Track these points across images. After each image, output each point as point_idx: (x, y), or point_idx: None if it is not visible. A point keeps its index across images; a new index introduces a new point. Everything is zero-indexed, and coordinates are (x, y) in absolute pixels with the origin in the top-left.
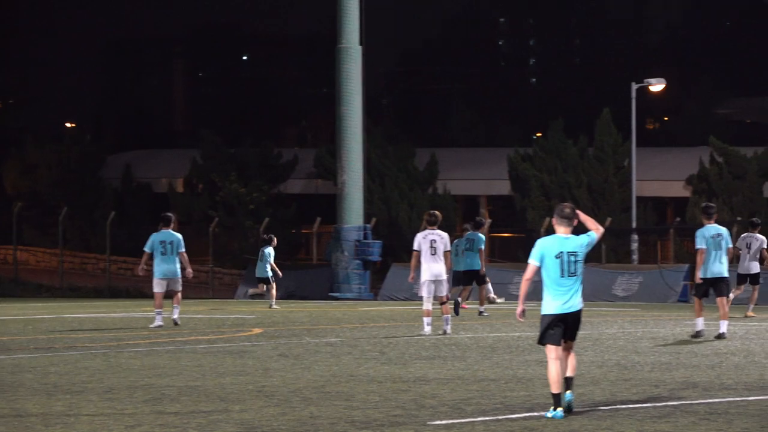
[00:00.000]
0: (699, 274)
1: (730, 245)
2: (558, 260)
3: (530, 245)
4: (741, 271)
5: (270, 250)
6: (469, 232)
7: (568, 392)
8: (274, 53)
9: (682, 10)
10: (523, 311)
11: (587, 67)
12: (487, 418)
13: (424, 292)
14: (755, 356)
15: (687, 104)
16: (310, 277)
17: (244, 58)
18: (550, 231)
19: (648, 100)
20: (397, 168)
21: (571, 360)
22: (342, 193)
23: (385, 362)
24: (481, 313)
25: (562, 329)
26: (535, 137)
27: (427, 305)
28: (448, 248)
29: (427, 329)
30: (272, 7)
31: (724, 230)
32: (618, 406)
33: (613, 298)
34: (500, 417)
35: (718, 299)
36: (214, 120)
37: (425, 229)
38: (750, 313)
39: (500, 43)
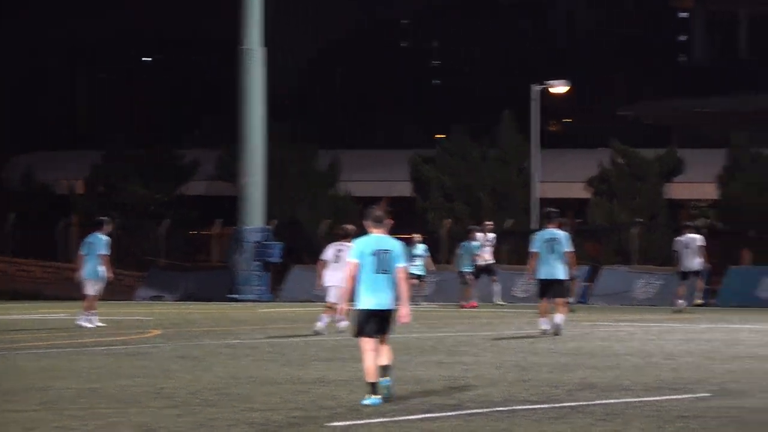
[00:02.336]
0: (533, 276)
1: (567, 249)
2: (374, 258)
3: (431, 247)
4: (683, 269)
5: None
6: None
7: (385, 378)
8: (178, 55)
9: (584, 13)
10: (345, 309)
11: (490, 69)
12: (385, 420)
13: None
14: (653, 357)
15: (589, 106)
16: (210, 278)
17: (149, 60)
18: (453, 233)
19: (550, 102)
20: (299, 169)
21: (386, 350)
22: (243, 194)
23: (284, 364)
24: None
25: (376, 323)
26: (437, 139)
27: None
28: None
29: (320, 325)
30: (176, 10)
31: (561, 234)
32: (516, 407)
33: (512, 299)
34: (398, 418)
35: (556, 300)
36: (116, 122)
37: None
38: (698, 300)
39: (403, 45)
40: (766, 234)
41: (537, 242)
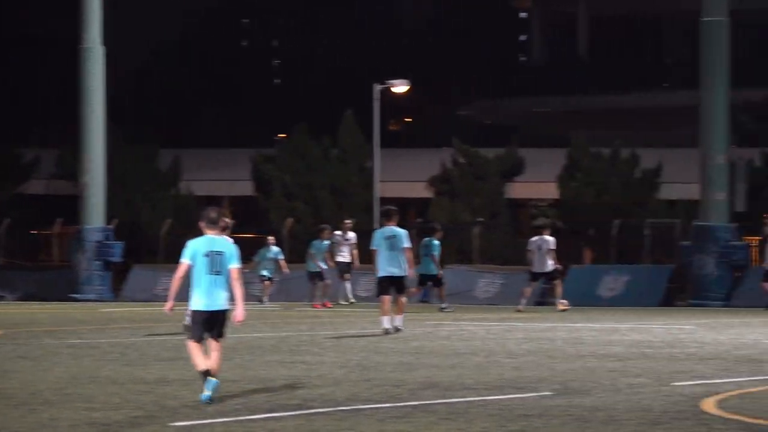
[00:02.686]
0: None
1: (405, 245)
2: (207, 258)
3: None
4: (536, 270)
5: None
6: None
7: (212, 380)
8: (17, 53)
9: (424, 12)
10: (172, 308)
11: (332, 68)
12: (227, 419)
13: None
14: (495, 356)
15: (429, 106)
16: (50, 278)
17: None
18: (295, 231)
19: (391, 102)
20: (140, 169)
21: (216, 355)
22: (84, 194)
23: (126, 364)
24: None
25: (208, 324)
26: (278, 138)
27: None
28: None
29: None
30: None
31: (401, 232)
32: (359, 406)
33: (356, 298)
34: (241, 418)
35: (399, 297)
36: None
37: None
38: (561, 306)
39: (243, 43)
40: (607, 233)
41: (377, 240)
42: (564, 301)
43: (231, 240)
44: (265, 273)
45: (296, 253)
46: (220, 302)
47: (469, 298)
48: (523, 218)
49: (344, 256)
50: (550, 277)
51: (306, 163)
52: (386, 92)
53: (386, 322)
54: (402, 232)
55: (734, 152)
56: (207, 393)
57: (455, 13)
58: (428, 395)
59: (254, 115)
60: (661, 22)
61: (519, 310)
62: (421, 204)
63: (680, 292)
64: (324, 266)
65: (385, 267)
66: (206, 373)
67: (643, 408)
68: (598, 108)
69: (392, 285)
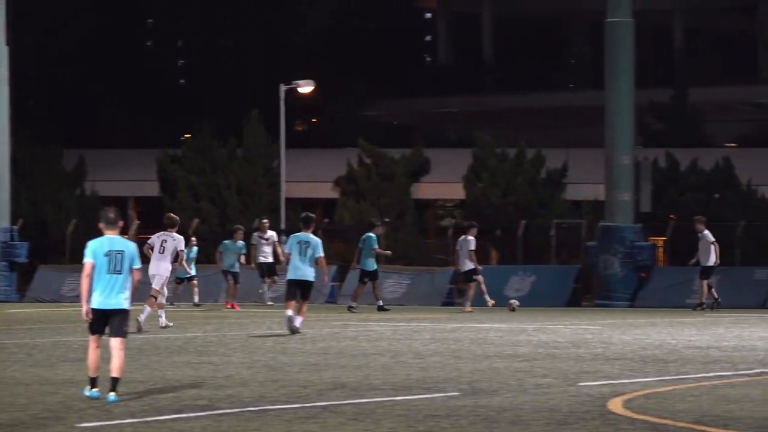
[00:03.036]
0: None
1: (319, 254)
2: (107, 258)
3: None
4: (459, 269)
5: None
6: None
7: (111, 394)
8: None
9: (329, 12)
10: (88, 311)
11: (237, 68)
12: (135, 420)
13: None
14: (402, 356)
15: (335, 106)
16: None
17: None
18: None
19: (297, 102)
20: (45, 169)
21: (118, 359)
22: None
23: (32, 365)
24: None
25: (105, 322)
26: (184, 138)
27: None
28: (181, 249)
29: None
30: None
31: (315, 240)
32: (267, 407)
33: (262, 298)
34: (148, 419)
35: (303, 301)
36: None
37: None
38: (467, 309)
39: (148, 43)
40: (513, 234)
41: (290, 243)
42: (469, 304)
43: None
44: (182, 275)
45: (202, 253)
46: (118, 301)
47: (375, 298)
48: (430, 219)
49: (266, 256)
50: (465, 277)
51: (212, 163)
52: (292, 92)
53: (297, 321)
54: (316, 241)
55: (639, 153)
56: (95, 390)
57: (361, 13)
58: (336, 396)
59: (160, 115)
60: (566, 22)
61: (469, 310)
62: (328, 204)
63: (586, 293)
64: (237, 268)
65: (294, 271)
66: (93, 381)
67: (550, 408)
68: (503, 108)
69: (299, 288)
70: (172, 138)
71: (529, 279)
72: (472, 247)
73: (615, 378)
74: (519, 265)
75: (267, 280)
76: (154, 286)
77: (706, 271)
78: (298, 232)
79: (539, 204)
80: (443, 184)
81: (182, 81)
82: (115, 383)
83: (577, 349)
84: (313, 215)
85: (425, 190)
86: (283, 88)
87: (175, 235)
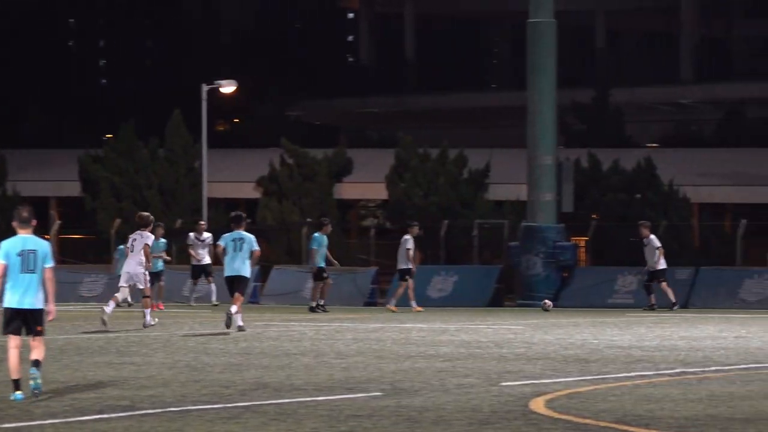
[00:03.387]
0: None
1: (255, 248)
2: (20, 258)
3: (101, 247)
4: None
5: None
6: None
7: (33, 369)
8: None
9: (252, 12)
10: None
11: (159, 68)
12: (56, 421)
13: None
14: (325, 357)
15: (257, 106)
16: None
17: None
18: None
19: (219, 102)
20: None
21: (39, 347)
22: None
23: None
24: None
25: (22, 322)
26: (106, 138)
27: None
28: (147, 244)
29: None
30: None
31: (248, 236)
32: (188, 407)
33: (185, 299)
34: (70, 419)
35: (237, 294)
36: None
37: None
38: (391, 307)
39: (70, 43)
40: (435, 234)
41: (224, 241)
42: (395, 303)
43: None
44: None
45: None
46: (32, 301)
47: (298, 299)
48: (352, 219)
49: (203, 257)
50: (399, 275)
51: (134, 163)
52: (214, 92)
53: (233, 310)
54: (250, 237)
55: (561, 153)
56: (19, 393)
57: (284, 13)
58: (258, 396)
59: (81, 115)
60: (488, 22)
61: (393, 309)
62: (250, 204)
63: (509, 293)
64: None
65: (229, 268)
66: (16, 384)
67: (472, 408)
68: (425, 108)
69: (233, 283)
70: (94, 138)
71: (451, 279)
72: (409, 246)
73: (537, 378)
74: (441, 265)
75: (197, 281)
76: (139, 286)
77: (659, 274)
78: (230, 231)
79: (462, 204)
80: (366, 184)
81: (104, 81)
82: (37, 364)
83: (499, 349)
84: (243, 214)
85: (348, 190)
86: (205, 88)
87: (146, 233)
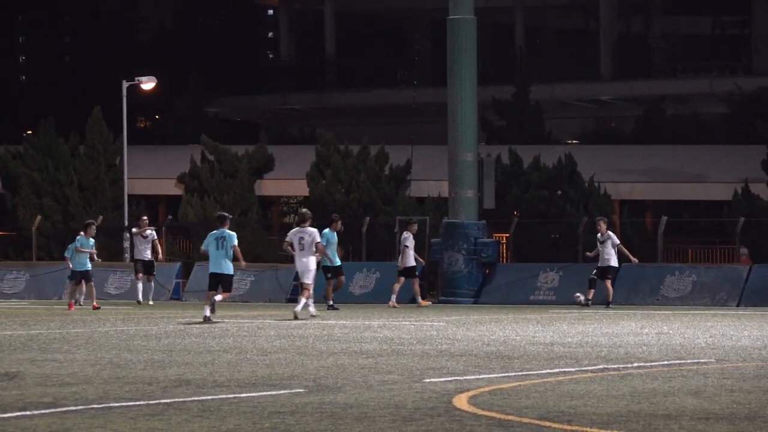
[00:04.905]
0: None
1: (233, 243)
2: None
3: (22, 244)
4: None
5: None
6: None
7: None
8: None
9: (172, 8)
10: None
11: (79, 65)
12: None
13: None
14: (247, 353)
15: (178, 103)
16: None
17: None
18: (44, 228)
19: (139, 99)
20: None
21: None
22: None
23: None
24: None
25: None
26: (25, 135)
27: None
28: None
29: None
30: None
31: (229, 233)
32: (111, 404)
33: (107, 296)
34: None
35: (225, 293)
36: None
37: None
38: (424, 302)
39: None
40: (357, 230)
41: (207, 241)
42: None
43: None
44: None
45: (43, 250)
46: None
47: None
48: (274, 215)
49: (144, 254)
50: (406, 273)
51: (54, 159)
52: (134, 89)
53: (207, 311)
54: (231, 234)
55: (482, 150)
56: None
57: (203, 10)
58: (180, 393)
59: (0, 111)
60: (408, 19)
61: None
62: (171, 201)
63: (431, 289)
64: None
65: (214, 265)
66: None
67: (395, 404)
68: (346, 105)
69: (218, 281)
70: (14, 134)
71: (373, 276)
72: (408, 243)
73: (460, 374)
74: (363, 261)
75: (142, 277)
76: (306, 281)
77: (611, 271)
78: (214, 230)
79: (383, 201)
80: (287, 181)
81: (23, 77)
82: None
83: (422, 346)
84: (227, 214)
85: (269, 186)
86: (125, 84)
87: (310, 229)
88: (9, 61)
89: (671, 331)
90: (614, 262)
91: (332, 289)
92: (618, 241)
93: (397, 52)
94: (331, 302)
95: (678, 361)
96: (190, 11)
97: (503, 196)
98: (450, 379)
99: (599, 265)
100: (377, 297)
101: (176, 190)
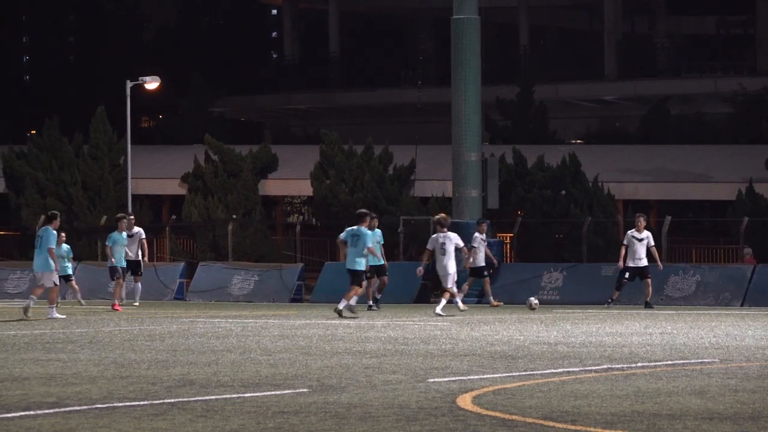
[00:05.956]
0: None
1: (368, 244)
2: None
3: (26, 244)
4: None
5: None
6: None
7: None
8: None
9: (176, 8)
10: None
11: (83, 64)
12: None
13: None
14: (251, 353)
15: (181, 102)
16: None
17: None
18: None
19: (143, 98)
20: None
21: None
22: None
23: None
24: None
25: None
26: (29, 135)
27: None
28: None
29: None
30: None
31: (364, 231)
32: (115, 404)
33: (109, 295)
34: None
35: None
36: None
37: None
38: (495, 303)
39: None
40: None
41: (345, 236)
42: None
43: None
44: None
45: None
46: None
47: (224, 295)
48: (278, 215)
49: (131, 254)
50: (478, 273)
51: (58, 159)
52: (138, 89)
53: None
54: (365, 233)
55: (486, 149)
56: None
57: (207, 9)
58: (184, 392)
59: (4, 111)
60: (412, 18)
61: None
62: (175, 201)
63: (434, 289)
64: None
65: (349, 262)
66: None
67: (399, 404)
68: (350, 105)
69: (350, 276)
70: (18, 134)
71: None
72: (477, 243)
73: (464, 374)
74: None
75: (137, 278)
76: (447, 285)
77: (646, 271)
78: (352, 226)
79: (387, 200)
80: (291, 181)
81: (27, 77)
82: None
83: (425, 346)
84: (366, 211)
85: (273, 186)
86: (129, 84)
87: (451, 234)
88: (13, 61)
89: (675, 331)
90: (644, 261)
91: (376, 290)
92: (653, 243)
93: (401, 51)
94: (371, 302)
95: (682, 361)
96: (194, 11)
97: (507, 196)
98: (454, 378)
99: (633, 265)
100: (381, 297)
101: (180, 190)
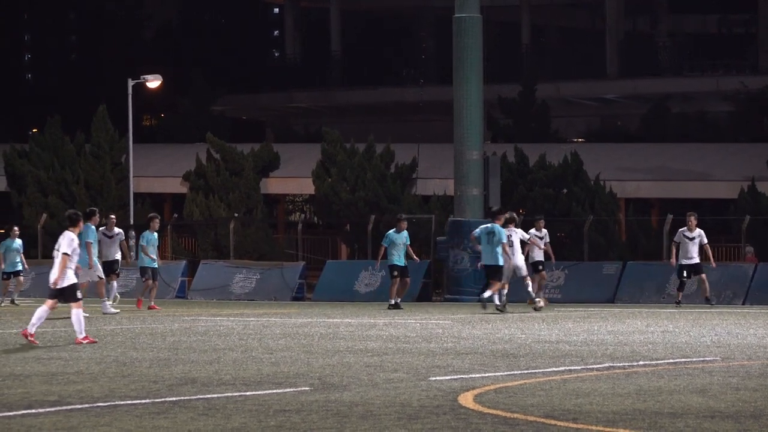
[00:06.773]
0: None
1: (503, 241)
2: None
3: (28, 242)
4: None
5: None
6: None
7: None
8: None
9: (177, 6)
10: None
11: (84, 63)
12: None
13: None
14: (253, 351)
15: (183, 101)
16: None
17: None
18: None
19: (145, 97)
20: None
21: None
22: None
23: None
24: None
25: None
26: (31, 133)
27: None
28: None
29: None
30: None
31: (498, 229)
32: (117, 402)
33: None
34: None
35: (494, 282)
36: None
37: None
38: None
39: None
40: (363, 228)
41: (479, 234)
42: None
43: None
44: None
45: (49, 249)
46: None
47: (225, 294)
48: (279, 213)
49: (111, 254)
50: (533, 268)
51: (60, 158)
52: (140, 87)
53: (495, 299)
54: (500, 230)
55: (488, 148)
56: None
57: (208, 8)
58: (186, 391)
59: (6, 110)
60: (414, 17)
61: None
62: (177, 199)
63: (436, 288)
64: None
65: (484, 258)
66: None
67: (401, 402)
68: (351, 103)
69: (486, 271)
70: (20, 133)
71: (379, 274)
72: (529, 237)
73: (466, 372)
74: (369, 260)
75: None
76: (522, 273)
77: (700, 267)
78: (486, 222)
79: (389, 199)
80: (292, 179)
81: (28, 76)
82: None
83: (427, 344)
84: (501, 208)
85: (274, 185)
86: (130, 83)
87: (515, 229)
88: (15, 60)
89: (676, 330)
90: (697, 258)
91: (399, 290)
92: (706, 241)
93: (403, 50)
94: (393, 301)
95: (683, 360)
96: (196, 9)
97: (509, 194)
98: (455, 377)
99: (685, 263)
100: (383, 295)
101: (182, 189)
